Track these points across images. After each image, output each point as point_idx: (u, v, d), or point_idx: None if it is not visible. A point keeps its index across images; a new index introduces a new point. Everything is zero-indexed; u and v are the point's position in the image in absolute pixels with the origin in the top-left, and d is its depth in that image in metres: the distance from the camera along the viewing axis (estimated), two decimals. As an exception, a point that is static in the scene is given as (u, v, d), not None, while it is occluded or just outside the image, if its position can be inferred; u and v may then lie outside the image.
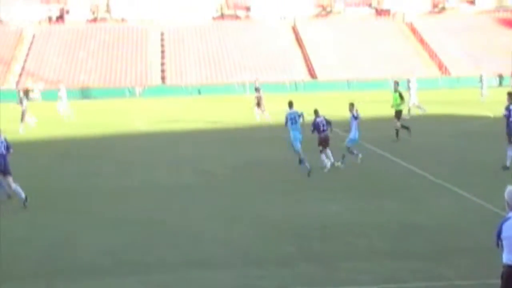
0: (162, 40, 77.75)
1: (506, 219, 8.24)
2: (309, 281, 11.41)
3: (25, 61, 73.74)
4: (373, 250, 13.03)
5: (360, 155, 21.86)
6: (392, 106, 28.15)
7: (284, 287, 11.22)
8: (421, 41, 77.82)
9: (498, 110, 38.14)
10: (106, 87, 69.24)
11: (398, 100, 27.98)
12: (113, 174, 22.39)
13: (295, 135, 20.66)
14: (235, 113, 43.80)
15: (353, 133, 21.61)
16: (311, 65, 73.92)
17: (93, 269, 12.40)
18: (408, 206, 16.65)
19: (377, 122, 32.98)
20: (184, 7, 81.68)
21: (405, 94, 30.09)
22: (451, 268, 11.88)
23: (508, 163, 20.45)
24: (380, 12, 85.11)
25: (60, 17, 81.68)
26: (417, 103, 37.28)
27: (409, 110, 35.36)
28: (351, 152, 21.75)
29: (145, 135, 33.49)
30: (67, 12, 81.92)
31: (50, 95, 66.51)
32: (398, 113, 27.84)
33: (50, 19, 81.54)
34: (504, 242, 8.19)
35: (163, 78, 72.08)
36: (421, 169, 20.97)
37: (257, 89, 37.37)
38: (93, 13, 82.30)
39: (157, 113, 46.12)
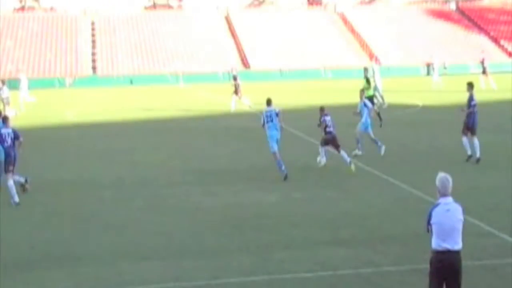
0: (93, 29, 76.56)
1: (436, 205, 8.40)
2: (242, 271, 11.41)
3: (-51, 50, 71.50)
4: (307, 239, 13.12)
5: (383, 148, 21.41)
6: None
7: (217, 278, 11.18)
8: (352, 31, 78.81)
9: (427, 98, 39.08)
10: (35, 77, 67.11)
11: (365, 86, 27.78)
12: (44, 167, 21.90)
13: (271, 134, 18.92)
14: (169, 103, 43.44)
15: (365, 118, 21.26)
16: (244, 55, 73.97)
17: (21, 263, 12.10)
18: (340, 194, 16.85)
19: (310, 111, 33.15)
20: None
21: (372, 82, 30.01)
22: (381, 254, 12.07)
23: (469, 151, 19.83)
24: (312, 3, 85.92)
25: (-14, 6, 79.72)
26: (380, 93, 36.42)
27: (382, 98, 34.66)
28: (375, 142, 21.45)
29: (77, 126, 32.86)
30: (-6, 0, 79.99)
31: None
32: (370, 99, 27.78)
33: (-25, 7, 79.47)
34: (433, 228, 8.35)
35: (94, 68, 71.04)
36: (352, 158, 21.16)
37: (235, 77, 36.71)
38: (21, 1, 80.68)
39: (88, 104, 45.32)
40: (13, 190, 16.37)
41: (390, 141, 25.00)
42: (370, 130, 21.83)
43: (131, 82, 67.19)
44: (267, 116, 19.01)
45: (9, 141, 16.52)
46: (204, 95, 37.47)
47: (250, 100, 36.16)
